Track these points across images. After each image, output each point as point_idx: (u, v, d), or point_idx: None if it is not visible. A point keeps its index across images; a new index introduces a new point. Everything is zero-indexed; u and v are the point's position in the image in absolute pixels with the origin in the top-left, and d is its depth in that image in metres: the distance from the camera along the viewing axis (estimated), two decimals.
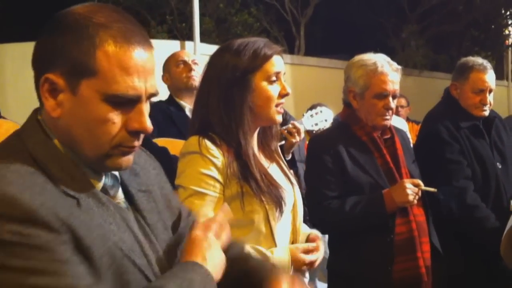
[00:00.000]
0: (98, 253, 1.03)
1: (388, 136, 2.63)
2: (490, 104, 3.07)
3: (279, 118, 1.89)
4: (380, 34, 15.33)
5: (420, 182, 2.51)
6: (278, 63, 1.88)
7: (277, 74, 1.86)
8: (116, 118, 1.07)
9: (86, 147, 1.08)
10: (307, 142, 4.30)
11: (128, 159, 1.13)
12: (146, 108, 1.10)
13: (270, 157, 1.96)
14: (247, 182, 1.77)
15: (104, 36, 1.05)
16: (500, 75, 13.70)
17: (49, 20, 1.11)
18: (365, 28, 15.59)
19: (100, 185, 1.14)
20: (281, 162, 2.00)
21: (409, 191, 2.43)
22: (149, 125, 1.09)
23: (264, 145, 1.96)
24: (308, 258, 1.93)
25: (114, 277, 1.06)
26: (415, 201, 2.47)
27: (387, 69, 2.52)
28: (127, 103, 1.07)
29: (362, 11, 14.99)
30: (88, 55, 1.04)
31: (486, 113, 3.07)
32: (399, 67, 2.58)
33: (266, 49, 1.85)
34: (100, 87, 1.05)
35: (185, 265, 1.13)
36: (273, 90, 1.85)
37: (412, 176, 2.59)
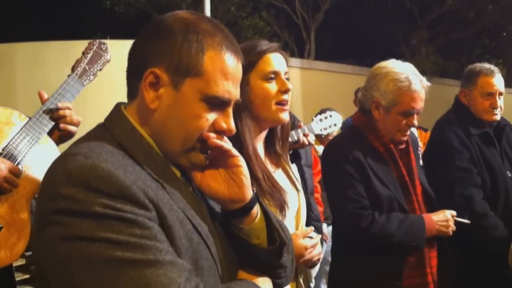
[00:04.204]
0: (178, 234, 1.10)
1: (403, 146, 2.57)
2: (501, 109, 3.05)
3: (283, 116, 1.84)
4: (390, 40, 15.33)
5: (455, 213, 2.51)
6: (275, 60, 1.83)
7: (275, 73, 1.82)
8: (209, 116, 1.17)
9: (176, 139, 1.17)
10: (314, 147, 4.31)
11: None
12: (231, 112, 1.22)
13: (276, 162, 1.94)
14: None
15: (211, 42, 1.17)
16: (510, 82, 13.61)
17: (153, 22, 1.22)
18: (375, 34, 15.60)
19: (179, 174, 1.22)
20: (287, 168, 1.97)
21: (451, 223, 2.46)
22: (233, 127, 1.21)
23: (270, 150, 1.93)
24: (309, 243, 1.90)
25: (191, 260, 1.11)
26: (450, 233, 2.49)
27: (419, 87, 2.43)
28: (220, 105, 1.18)
29: (372, 17, 14.99)
30: (196, 57, 1.15)
31: (497, 117, 3.04)
32: (429, 84, 2.50)
33: (260, 46, 1.82)
34: (202, 87, 1.16)
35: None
36: (270, 87, 1.82)
37: (423, 187, 2.57)
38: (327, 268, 4.84)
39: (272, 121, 1.87)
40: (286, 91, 1.83)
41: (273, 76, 1.82)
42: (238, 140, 1.77)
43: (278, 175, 1.91)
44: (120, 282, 0.98)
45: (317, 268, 4.80)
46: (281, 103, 1.83)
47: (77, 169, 1.03)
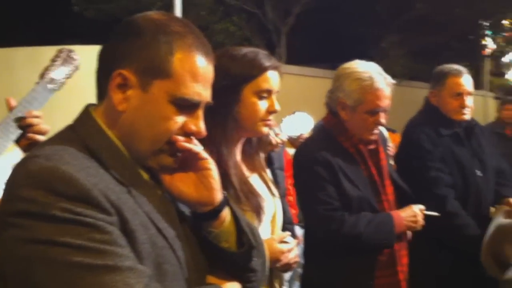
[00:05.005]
0: (140, 238, 1.08)
1: (373, 146, 2.57)
2: (470, 108, 3.09)
3: (265, 130, 1.84)
4: (360, 44, 15.45)
5: (423, 207, 2.53)
6: (272, 79, 1.81)
7: (269, 92, 1.80)
8: (178, 119, 1.15)
9: (144, 141, 1.15)
10: (286, 149, 4.31)
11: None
12: (202, 114, 1.19)
13: (252, 167, 1.92)
14: (227, 190, 1.75)
15: (181, 44, 1.14)
16: (477, 84, 13.86)
17: (123, 23, 1.20)
18: (346, 38, 15.72)
19: (147, 177, 1.21)
20: (263, 173, 1.96)
21: (419, 218, 2.48)
22: (203, 129, 1.19)
23: (247, 155, 1.92)
24: (285, 247, 1.90)
25: (154, 265, 1.09)
26: (419, 227, 2.51)
27: (382, 84, 2.43)
28: (190, 107, 1.16)
29: (343, 21, 15.11)
30: (165, 58, 1.13)
31: (467, 116, 3.08)
32: (393, 81, 2.50)
33: (263, 61, 1.79)
34: (170, 89, 1.13)
35: None
36: (261, 105, 1.80)
37: (395, 184, 2.59)
38: (300, 270, 4.85)
39: (253, 133, 1.87)
40: (273, 112, 1.83)
41: (266, 94, 1.81)
42: (216, 146, 1.76)
43: (254, 180, 1.89)
44: (78, 287, 0.96)
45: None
46: (266, 120, 1.83)
47: (37, 171, 1.02)
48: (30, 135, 1.98)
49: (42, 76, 2.05)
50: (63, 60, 2.10)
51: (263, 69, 1.79)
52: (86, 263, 0.97)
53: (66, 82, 2.12)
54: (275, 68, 1.83)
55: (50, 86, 2.05)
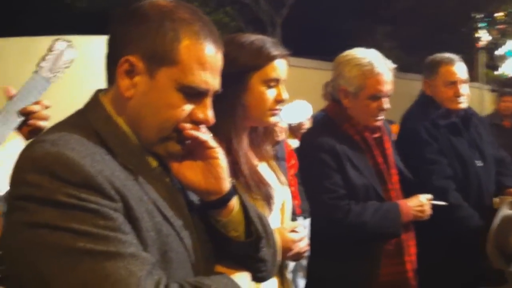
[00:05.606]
0: (145, 226, 1.08)
1: (378, 135, 2.55)
2: (466, 96, 3.03)
3: (273, 120, 1.82)
4: (354, 35, 15.45)
5: (430, 196, 2.52)
6: (280, 68, 1.79)
7: (277, 80, 1.78)
8: (185, 107, 1.15)
9: (151, 128, 1.15)
10: (286, 140, 4.29)
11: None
12: (210, 102, 1.19)
13: (260, 156, 1.91)
14: (237, 179, 1.71)
15: (187, 31, 1.14)
16: (472, 77, 13.91)
17: (129, 8, 1.18)
18: (340, 29, 15.69)
19: (155, 164, 1.20)
20: (271, 162, 1.95)
21: (426, 207, 2.48)
22: (211, 117, 1.18)
23: (254, 144, 1.89)
24: (297, 236, 1.90)
25: (159, 253, 1.10)
26: (426, 217, 2.50)
27: (383, 69, 2.42)
28: (197, 95, 1.16)
29: (336, 12, 15.08)
30: (172, 46, 1.13)
31: (463, 105, 3.02)
32: (393, 65, 2.48)
33: (271, 50, 1.76)
34: (177, 77, 1.13)
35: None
36: (269, 94, 1.78)
37: (401, 174, 2.57)
38: (303, 262, 4.83)
39: (260, 123, 1.85)
40: (281, 101, 1.81)
41: (274, 83, 1.79)
42: (226, 134, 1.73)
43: (262, 168, 1.88)
44: (79, 272, 0.97)
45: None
46: (274, 109, 1.81)
47: (42, 156, 1.02)
48: (32, 121, 1.98)
49: (39, 66, 2.04)
50: (60, 50, 2.08)
51: (271, 58, 1.77)
52: (88, 248, 0.98)
53: (65, 72, 2.11)
54: (283, 56, 1.81)
55: (47, 75, 2.04)
